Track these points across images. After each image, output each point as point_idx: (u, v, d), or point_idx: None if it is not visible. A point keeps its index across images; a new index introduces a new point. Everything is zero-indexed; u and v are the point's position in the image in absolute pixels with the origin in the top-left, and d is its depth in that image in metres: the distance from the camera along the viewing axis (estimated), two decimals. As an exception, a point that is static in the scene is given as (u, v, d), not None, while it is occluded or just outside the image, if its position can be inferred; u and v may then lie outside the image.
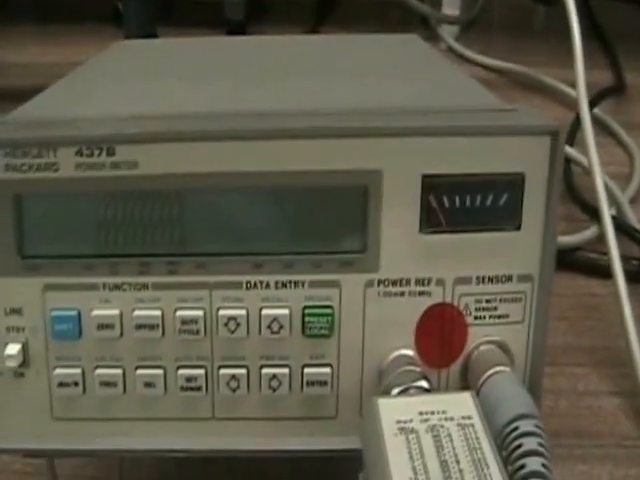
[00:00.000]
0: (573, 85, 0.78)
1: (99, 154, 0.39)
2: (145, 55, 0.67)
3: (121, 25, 1.17)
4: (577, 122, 0.91)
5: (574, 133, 0.95)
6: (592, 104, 0.96)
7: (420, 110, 0.42)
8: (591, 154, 0.72)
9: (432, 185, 0.40)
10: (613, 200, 0.85)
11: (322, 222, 0.40)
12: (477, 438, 0.34)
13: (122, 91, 0.51)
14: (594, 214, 0.78)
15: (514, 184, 0.40)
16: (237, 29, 1.43)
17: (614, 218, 0.71)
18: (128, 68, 0.61)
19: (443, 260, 0.41)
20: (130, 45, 0.73)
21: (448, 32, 1.45)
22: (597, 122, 1.03)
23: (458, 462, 0.33)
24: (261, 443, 0.42)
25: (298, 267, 0.41)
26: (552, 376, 0.63)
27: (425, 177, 0.40)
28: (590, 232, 0.81)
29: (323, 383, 0.41)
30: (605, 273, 0.70)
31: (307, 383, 0.41)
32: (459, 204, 0.40)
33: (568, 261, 0.78)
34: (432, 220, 0.40)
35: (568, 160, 0.91)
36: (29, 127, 0.41)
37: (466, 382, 0.42)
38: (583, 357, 0.67)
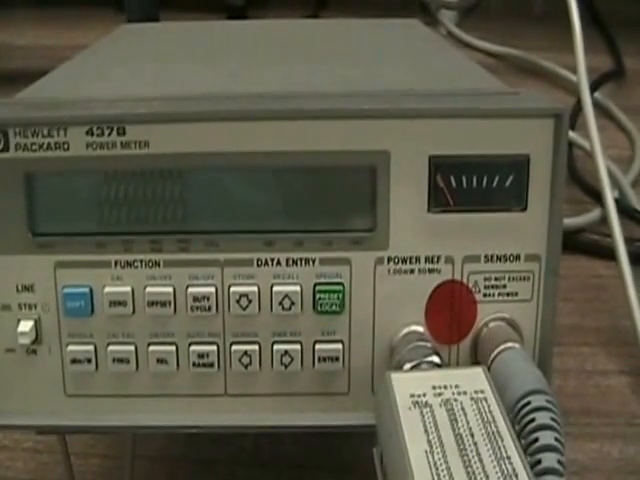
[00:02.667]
0: (572, 70, 0.79)
1: (109, 133, 0.39)
2: (150, 38, 0.67)
3: (122, 9, 1.17)
4: (578, 106, 0.91)
5: (575, 117, 0.96)
6: (592, 89, 0.97)
7: (426, 92, 0.43)
8: (593, 138, 0.72)
9: (439, 166, 0.40)
10: (615, 183, 0.85)
11: (332, 201, 0.41)
12: (490, 412, 0.34)
13: (129, 72, 0.51)
14: (597, 197, 0.79)
15: (519, 165, 0.40)
16: (237, 14, 1.43)
17: (617, 201, 0.71)
18: (134, 50, 0.61)
19: (452, 239, 0.41)
20: (134, 28, 0.73)
21: (448, 17, 1.45)
22: (597, 106, 1.03)
23: (472, 435, 0.33)
24: (274, 419, 0.42)
25: (309, 245, 0.41)
26: (560, 356, 0.64)
27: (432, 158, 0.40)
28: (593, 214, 0.81)
29: (335, 359, 0.42)
30: (609, 254, 0.71)
31: (319, 359, 0.42)
32: (466, 184, 0.40)
33: (572, 243, 0.79)
34: (440, 200, 0.40)
35: (570, 144, 0.92)
36: (39, 107, 0.41)
37: (476, 358, 0.42)
38: (590, 337, 0.67)
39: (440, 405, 0.35)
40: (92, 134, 0.39)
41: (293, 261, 0.41)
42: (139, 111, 0.40)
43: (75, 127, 0.39)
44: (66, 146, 0.40)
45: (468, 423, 0.34)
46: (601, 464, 0.54)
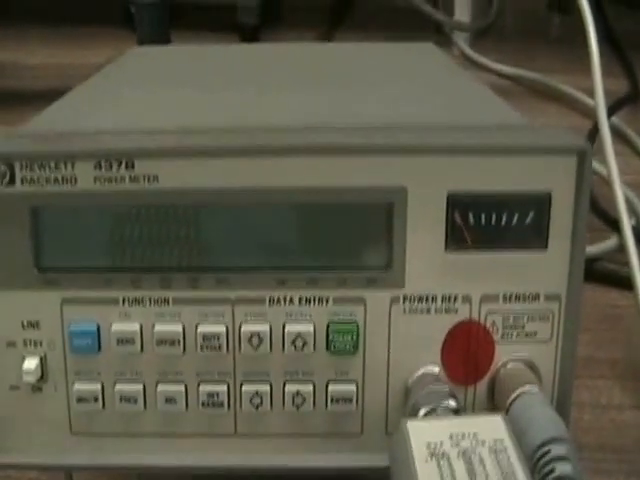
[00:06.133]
0: (588, 92, 0.78)
1: (118, 168, 0.39)
2: (161, 63, 0.66)
3: (132, 27, 1.17)
4: (594, 131, 0.90)
5: (592, 142, 0.95)
6: (609, 113, 0.96)
7: (444, 127, 0.42)
8: (611, 165, 0.71)
9: (457, 203, 0.39)
10: (632, 210, 0.84)
11: (347, 238, 0.40)
12: (510, 463, 0.33)
13: (140, 101, 0.50)
14: (614, 224, 0.77)
15: (540, 203, 0.39)
16: (250, 34, 1.42)
17: (634, 229, 0.70)
18: (145, 76, 0.60)
19: (469, 277, 0.40)
20: (145, 52, 0.73)
21: (462, 38, 1.44)
22: (613, 131, 1.02)
23: (491, 488, 0.32)
24: (285, 460, 0.42)
25: (323, 283, 0.40)
26: (575, 388, 0.62)
27: (450, 195, 0.39)
28: (610, 242, 0.80)
29: (348, 400, 0.41)
30: (626, 284, 0.69)
31: (332, 400, 0.41)
32: (485, 222, 0.39)
33: (588, 272, 0.77)
34: (457, 238, 0.40)
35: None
36: (46, 140, 0.40)
37: (493, 400, 0.41)
38: (605, 369, 0.66)
39: (458, 456, 0.34)
40: (100, 168, 0.39)
41: (306, 300, 0.40)
42: (148, 145, 0.39)
43: (83, 161, 0.38)
44: (74, 180, 0.39)
45: (487, 476, 0.33)
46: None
